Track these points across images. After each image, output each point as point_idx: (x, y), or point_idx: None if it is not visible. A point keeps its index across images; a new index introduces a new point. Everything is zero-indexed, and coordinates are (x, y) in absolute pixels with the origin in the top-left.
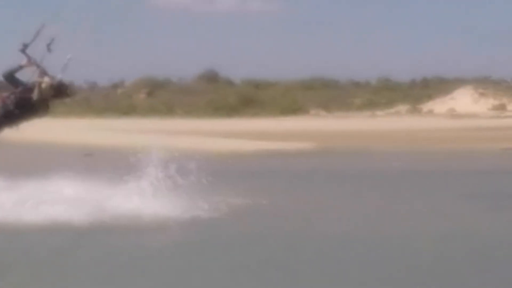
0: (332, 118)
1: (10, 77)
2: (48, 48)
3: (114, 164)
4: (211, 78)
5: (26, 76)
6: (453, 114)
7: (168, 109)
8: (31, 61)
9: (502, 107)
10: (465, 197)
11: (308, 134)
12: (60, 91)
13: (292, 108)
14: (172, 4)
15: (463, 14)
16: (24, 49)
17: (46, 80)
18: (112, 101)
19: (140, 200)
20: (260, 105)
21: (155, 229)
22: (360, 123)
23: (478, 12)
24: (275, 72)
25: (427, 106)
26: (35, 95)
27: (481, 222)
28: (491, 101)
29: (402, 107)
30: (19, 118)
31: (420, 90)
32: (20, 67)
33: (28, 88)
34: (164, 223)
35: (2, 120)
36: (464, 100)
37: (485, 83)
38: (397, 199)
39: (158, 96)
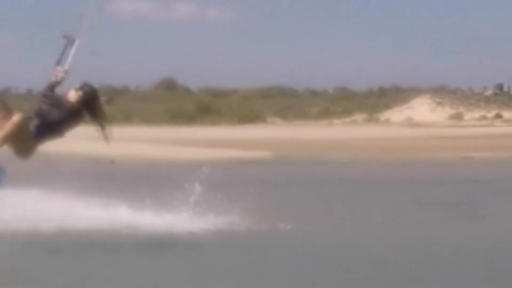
0: (289, 126)
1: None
2: (70, 41)
3: (72, 172)
4: (169, 86)
5: None
6: (410, 123)
7: (125, 117)
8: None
9: (459, 116)
10: (423, 206)
11: (265, 142)
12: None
13: (250, 116)
14: (130, 12)
15: (420, 23)
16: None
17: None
18: None
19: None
20: (218, 113)
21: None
22: (317, 131)
23: (435, 21)
24: (233, 80)
25: (384, 115)
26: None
27: (439, 231)
28: (448, 110)
29: (359, 116)
30: (58, 127)
31: (377, 99)
32: (58, 82)
33: (60, 97)
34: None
35: (42, 130)
36: (421, 109)
37: (442, 92)
38: (355, 207)
39: (116, 104)
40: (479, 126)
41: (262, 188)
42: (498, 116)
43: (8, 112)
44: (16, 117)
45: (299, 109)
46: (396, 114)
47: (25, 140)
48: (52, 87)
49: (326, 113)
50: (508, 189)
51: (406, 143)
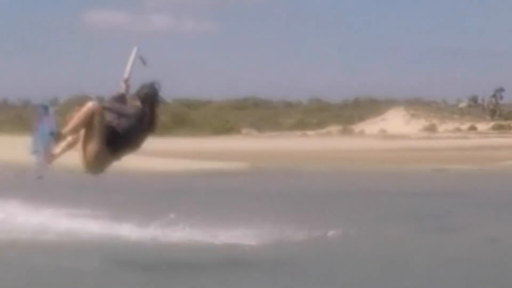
0: (264, 138)
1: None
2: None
3: (49, 182)
4: (118, 100)
5: None
6: (384, 135)
7: None
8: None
9: (432, 128)
10: (396, 218)
11: (240, 153)
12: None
13: (224, 127)
14: (107, 23)
15: (394, 35)
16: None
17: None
18: None
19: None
20: (192, 125)
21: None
22: (291, 143)
23: (409, 33)
24: (208, 91)
25: (358, 127)
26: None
27: (411, 243)
28: (422, 122)
29: (334, 128)
30: (130, 137)
31: (352, 110)
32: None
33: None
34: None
35: (115, 143)
36: (395, 121)
37: (416, 104)
38: (328, 219)
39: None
40: (453, 138)
41: (252, 199)
42: (472, 128)
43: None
44: (89, 103)
45: (273, 121)
46: (370, 126)
47: (98, 134)
48: (116, 98)
49: (301, 125)
50: (481, 202)
51: (380, 155)
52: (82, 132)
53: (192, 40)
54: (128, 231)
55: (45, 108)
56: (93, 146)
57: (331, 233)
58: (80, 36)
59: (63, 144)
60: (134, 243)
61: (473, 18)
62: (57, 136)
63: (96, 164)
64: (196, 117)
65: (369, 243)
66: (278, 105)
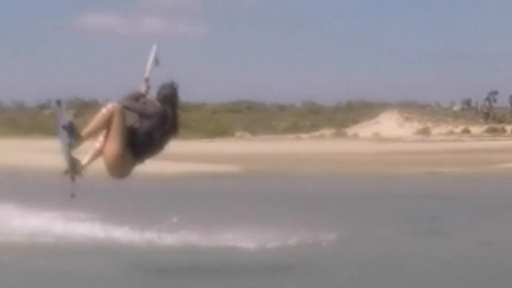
0: (257, 141)
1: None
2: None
3: (42, 185)
4: (137, 100)
5: None
6: (378, 138)
7: None
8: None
9: (426, 131)
10: (388, 221)
11: (234, 156)
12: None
13: (218, 130)
14: (99, 26)
15: (388, 38)
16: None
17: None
18: (39, 121)
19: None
20: (186, 128)
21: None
22: (285, 146)
23: (403, 36)
24: (202, 94)
25: (352, 130)
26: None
27: (404, 246)
28: (415, 125)
29: (327, 131)
30: (153, 138)
31: (345, 113)
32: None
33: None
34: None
35: (138, 145)
36: (389, 124)
37: (410, 107)
38: (323, 222)
39: (84, 117)
40: (447, 141)
41: (246, 202)
42: (466, 131)
43: None
44: (109, 104)
45: (267, 124)
46: (364, 129)
47: (120, 136)
48: (134, 98)
49: (294, 128)
50: (474, 204)
51: (373, 158)
52: (104, 136)
53: (185, 43)
54: (125, 234)
55: (59, 102)
56: (116, 149)
57: (326, 235)
58: (74, 38)
59: (91, 152)
60: (131, 246)
61: (467, 21)
62: (76, 138)
63: (119, 168)
64: (190, 120)
65: (364, 245)
66: (272, 108)
